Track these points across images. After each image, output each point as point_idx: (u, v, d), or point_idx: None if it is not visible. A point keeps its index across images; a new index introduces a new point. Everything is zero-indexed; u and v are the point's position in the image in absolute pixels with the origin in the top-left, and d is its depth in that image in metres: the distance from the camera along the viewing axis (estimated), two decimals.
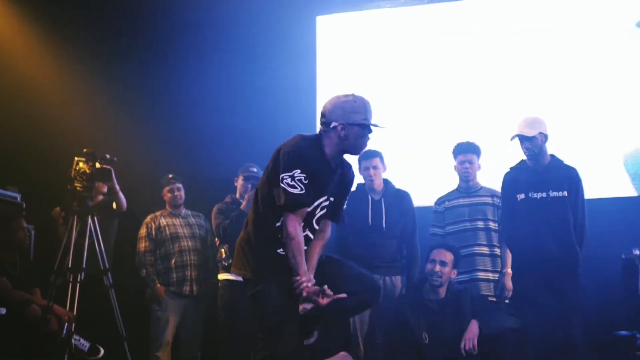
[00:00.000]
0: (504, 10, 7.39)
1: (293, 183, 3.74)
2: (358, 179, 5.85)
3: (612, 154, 6.86)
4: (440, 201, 6.21)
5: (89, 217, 6.24)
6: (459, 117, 7.26)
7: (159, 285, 6.72)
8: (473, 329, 5.04)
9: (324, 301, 3.75)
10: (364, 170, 5.92)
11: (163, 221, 6.85)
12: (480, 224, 5.99)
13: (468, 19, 7.46)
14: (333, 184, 3.99)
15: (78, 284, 6.03)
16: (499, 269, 5.91)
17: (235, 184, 6.51)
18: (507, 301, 5.75)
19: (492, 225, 5.97)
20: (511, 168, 5.65)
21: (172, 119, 7.78)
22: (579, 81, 7.05)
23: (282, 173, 3.76)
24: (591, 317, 5.71)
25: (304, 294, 3.73)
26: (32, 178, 7.03)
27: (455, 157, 6.17)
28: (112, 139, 7.13)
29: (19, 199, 6.58)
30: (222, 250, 6.31)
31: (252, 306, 3.90)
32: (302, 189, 3.75)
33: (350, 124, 3.90)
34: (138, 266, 6.81)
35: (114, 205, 6.57)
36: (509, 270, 5.78)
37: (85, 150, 6.24)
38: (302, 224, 3.87)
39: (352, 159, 4.27)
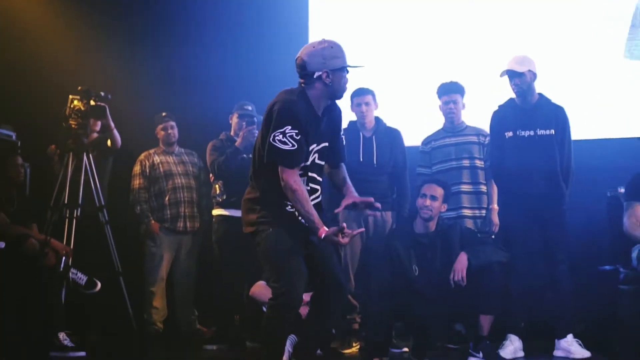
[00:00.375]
0: None
1: (285, 139, 3.77)
2: (350, 116, 5.95)
3: (598, 96, 6.94)
4: (426, 141, 6.29)
5: (84, 154, 6.32)
6: (446, 55, 7.27)
7: (153, 221, 6.81)
8: (462, 260, 5.13)
9: (344, 240, 3.83)
10: (356, 106, 5.99)
11: (157, 159, 6.91)
12: (466, 162, 6.09)
13: None
14: (323, 130, 4.04)
15: (74, 220, 6.14)
16: (485, 206, 6.05)
17: (230, 122, 6.56)
18: (492, 237, 5.89)
19: (478, 163, 6.07)
20: (500, 106, 5.72)
21: (166, 57, 7.75)
22: (565, 22, 7.09)
23: (273, 131, 3.80)
24: (576, 253, 5.82)
25: (323, 236, 3.78)
26: (27, 117, 7.03)
27: (439, 98, 6.24)
28: (106, 77, 7.10)
29: (14, 137, 6.61)
30: (217, 186, 6.39)
31: (262, 253, 3.89)
32: (293, 145, 3.79)
33: (333, 70, 3.94)
34: (132, 203, 6.89)
35: (109, 142, 6.61)
36: (496, 206, 5.91)
37: (79, 88, 6.28)
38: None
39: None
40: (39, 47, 7.54)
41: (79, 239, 6.17)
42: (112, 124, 6.48)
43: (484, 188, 6.06)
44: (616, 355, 5.21)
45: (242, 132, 6.22)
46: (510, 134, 5.55)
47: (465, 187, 6.08)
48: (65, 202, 6.21)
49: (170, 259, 6.91)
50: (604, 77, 6.95)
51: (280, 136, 3.78)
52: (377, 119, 6.05)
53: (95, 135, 6.76)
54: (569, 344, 5.39)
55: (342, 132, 4.36)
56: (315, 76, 3.94)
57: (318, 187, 4.07)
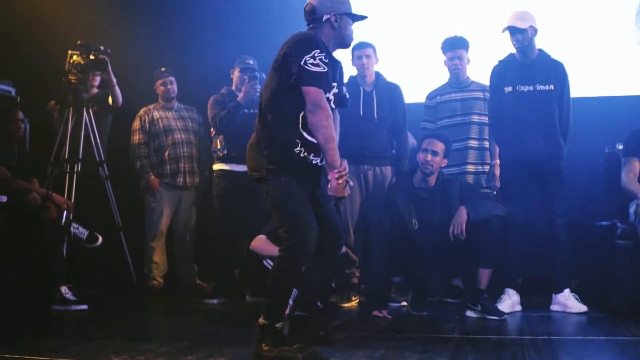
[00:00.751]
0: None
1: (317, 62, 3.75)
2: (350, 70, 5.95)
3: (598, 53, 6.95)
4: (431, 95, 6.29)
5: (84, 109, 6.33)
6: (446, 9, 7.26)
7: (152, 177, 6.84)
8: (461, 214, 5.15)
9: (346, 192, 3.89)
10: (357, 59, 5.97)
11: (156, 114, 6.91)
12: (475, 117, 6.11)
13: None
14: (334, 73, 4.04)
15: (75, 175, 6.17)
16: (488, 162, 6.07)
17: (232, 76, 6.53)
18: (495, 192, 5.92)
19: (484, 119, 6.06)
20: (499, 61, 5.71)
21: (165, 12, 7.72)
22: None
23: (303, 56, 3.75)
24: (574, 209, 5.85)
25: (335, 176, 3.75)
26: (26, 72, 7.01)
27: (444, 53, 6.23)
28: (105, 32, 7.07)
29: (13, 93, 6.60)
30: (218, 140, 6.38)
31: (272, 203, 3.82)
32: (324, 68, 3.77)
33: (341, 14, 3.96)
34: (132, 158, 6.91)
35: (110, 100, 6.62)
36: (498, 161, 5.93)
37: (79, 42, 6.27)
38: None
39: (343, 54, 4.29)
40: (38, 3, 7.48)
41: (80, 194, 6.22)
42: (114, 80, 6.48)
43: (487, 144, 6.07)
44: (613, 310, 5.25)
45: (244, 87, 6.20)
46: (510, 89, 5.55)
47: (473, 143, 6.10)
48: (66, 157, 6.27)
49: (170, 214, 6.95)
50: (604, 34, 6.95)
51: (312, 60, 3.75)
52: (377, 73, 6.04)
53: (95, 90, 6.76)
54: (566, 298, 5.44)
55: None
56: (324, 19, 3.95)
57: None
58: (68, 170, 6.22)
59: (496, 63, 5.73)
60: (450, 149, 5.49)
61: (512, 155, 5.57)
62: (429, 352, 3.78)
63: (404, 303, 5.76)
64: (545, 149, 5.48)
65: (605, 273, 5.53)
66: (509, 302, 5.44)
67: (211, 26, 7.53)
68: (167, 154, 6.84)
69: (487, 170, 6.07)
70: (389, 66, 6.50)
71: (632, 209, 5.24)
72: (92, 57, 6.28)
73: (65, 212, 5.80)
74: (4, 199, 5.51)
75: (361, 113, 5.83)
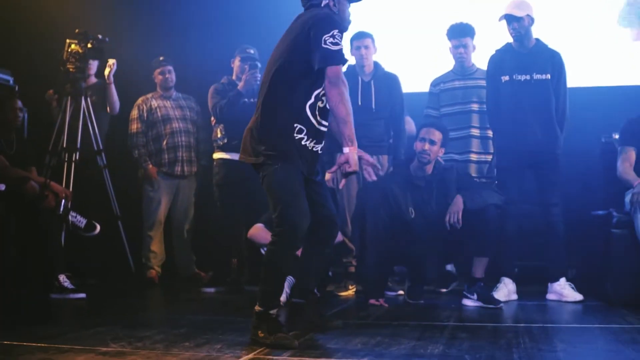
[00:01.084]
0: None
1: (335, 40, 3.76)
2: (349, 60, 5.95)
3: (595, 44, 6.97)
4: (435, 82, 6.29)
5: (82, 98, 6.35)
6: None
7: (151, 166, 6.85)
8: (458, 203, 5.16)
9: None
10: (355, 50, 5.99)
11: (154, 103, 6.92)
12: (475, 106, 6.10)
13: None
14: None
15: (73, 164, 6.18)
16: (491, 151, 6.09)
17: (232, 65, 6.51)
18: (496, 182, 5.89)
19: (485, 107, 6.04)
20: (497, 50, 5.72)
21: (164, 0, 7.75)
22: None
23: (322, 36, 3.75)
24: (570, 198, 5.88)
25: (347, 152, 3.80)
26: (24, 61, 7.03)
27: (449, 40, 6.20)
28: (104, 21, 7.07)
29: (11, 82, 6.62)
30: (218, 129, 6.39)
31: (267, 188, 3.83)
32: (342, 45, 3.80)
33: None
34: (130, 147, 6.92)
35: (108, 109, 6.75)
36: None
37: (77, 30, 6.28)
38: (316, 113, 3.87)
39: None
40: None
41: (78, 183, 6.24)
42: (111, 78, 6.55)
43: (491, 133, 6.07)
44: (608, 299, 5.28)
45: (244, 76, 6.19)
46: (507, 78, 5.56)
47: (474, 132, 6.11)
48: (64, 146, 6.29)
49: (167, 203, 6.97)
50: (601, 25, 6.97)
51: (331, 39, 3.76)
52: (375, 63, 6.05)
53: (93, 79, 6.78)
54: (562, 287, 5.47)
55: None
56: (323, 4, 3.97)
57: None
58: (66, 159, 6.25)
59: (493, 52, 5.74)
60: (447, 138, 5.49)
61: (509, 144, 5.59)
62: (425, 339, 3.81)
63: (401, 292, 5.79)
64: (542, 138, 5.50)
65: (600, 262, 5.56)
66: (505, 290, 5.47)
67: (210, 15, 7.53)
68: (165, 143, 6.85)
69: (489, 159, 6.08)
70: (390, 55, 6.53)
71: (627, 198, 5.27)
72: (90, 45, 6.29)
73: (63, 200, 5.82)
74: (2, 187, 5.54)
75: (359, 103, 5.83)
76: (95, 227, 6.10)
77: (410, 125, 6.31)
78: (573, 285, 5.48)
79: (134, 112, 6.93)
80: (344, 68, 3.97)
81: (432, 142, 5.35)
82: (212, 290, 6.28)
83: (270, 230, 5.49)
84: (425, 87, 6.43)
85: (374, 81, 5.95)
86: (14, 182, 5.65)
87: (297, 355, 3.41)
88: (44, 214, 5.72)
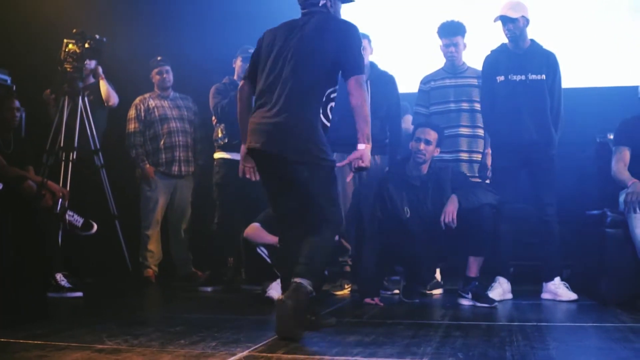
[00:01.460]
0: None
1: (361, 52, 4.04)
2: None
3: (590, 45, 7.00)
4: (426, 80, 6.28)
5: (80, 97, 6.37)
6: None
7: (148, 165, 6.88)
8: (453, 202, 5.18)
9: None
10: None
11: (152, 103, 6.95)
12: (465, 105, 6.11)
13: None
14: None
15: (70, 163, 6.20)
16: (481, 150, 6.11)
17: (234, 65, 6.55)
18: (487, 181, 5.95)
19: (477, 106, 6.05)
20: (492, 51, 5.74)
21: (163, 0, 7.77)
22: None
23: (359, 46, 4.02)
24: (565, 198, 5.89)
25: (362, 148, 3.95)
26: (22, 61, 7.04)
27: (440, 38, 6.19)
28: (102, 20, 7.10)
29: (9, 81, 6.63)
30: (219, 129, 6.42)
31: (319, 185, 3.96)
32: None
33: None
34: (127, 147, 6.95)
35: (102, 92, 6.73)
36: (490, 150, 5.97)
37: (74, 30, 6.30)
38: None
39: None
40: None
41: (75, 182, 6.25)
42: (100, 71, 6.57)
43: (481, 132, 6.09)
44: (602, 298, 5.30)
45: None
46: (502, 78, 5.59)
47: (464, 130, 6.10)
48: (61, 145, 6.30)
49: (165, 202, 7.00)
50: (596, 26, 7.02)
51: (361, 50, 4.05)
52: (371, 63, 6.05)
53: (91, 79, 6.81)
54: (556, 286, 5.49)
55: None
56: (320, 4, 4.10)
57: None
58: (63, 159, 6.26)
59: (488, 53, 5.77)
60: (443, 138, 5.52)
61: (504, 143, 5.61)
62: (419, 337, 3.83)
63: (396, 291, 5.81)
64: (537, 137, 5.51)
65: (595, 261, 5.57)
66: (500, 290, 5.49)
67: (207, 15, 7.55)
68: (162, 142, 6.88)
69: (479, 159, 6.10)
70: (387, 56, 6.55)
71: (621, 198, 5.28)
72: (87, 45, 6.31)
73: (60, 199, 5.84)
74: (0, 186, 5.54)
75: None
76: (92, 226, 6.12)
77: (407, 123, 6.34)
78: (567, 285, 5.50)
79: (132, 112, 6.96)
80: None
81: (427, 142, 5.37)
82: (208, 289, 6.31)
83: (266, 230, 5.59)
84: None
85: (370, 81, 5.95)
86: (11, 181, 5.66)
87: (292, 353, 3.43)
88: (42, 213, 5.73)
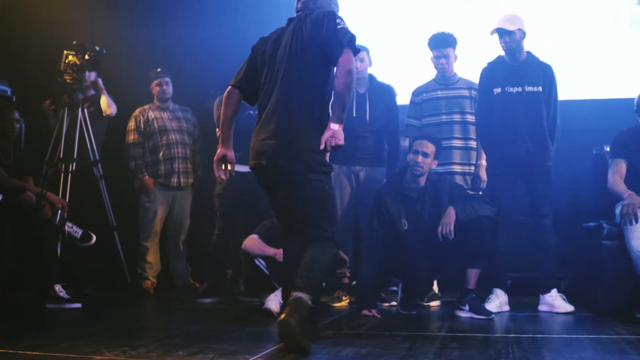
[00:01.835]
0: None
1: (343, 24, 4.01)
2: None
3: (586, 57, 7.04)
4: (417, 92, 6.30)
5: (79, 109, 6.39)
6: (437, 6, 7.40)
7: (147, 177, 6.90)
8: (450, 215, 5.19)
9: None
10: None
11: (151, 114, 6.98)
12: (457, 117, 6.13)
13: None
14: None
15: (69, 175, 6.22)
16: (474, 162, 6.12)
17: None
18: (480, 192, 5.97)
19: (469, 118, 6.09)
20: (489, 63, 5.77)
21: (162, 12, 7.80)
22: None
23: (334, 21, 4.00)
24: (561, 210, 5.90)
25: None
26: (22, 72, 7.05)
27: (431, 50, 6.21)
28: (101, 32, 7.10)
29: (9, 92, 6.65)
30: None
31: (324, 193, 4.04)
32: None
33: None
34: (127, 158, 6.97)
35: (101, 103, 6.74)
36: (484, 162, 5.98)
37: (74, 42, 6.33)
38: None
39: None
40: (34, 2, 7.51)
41: (74, 194, 6.26)
42: (100, 83, 6.59)
43: (473, 144, 6.11)
44: (599, 310, 5.32)
45: None
46: (499, 90, 5.61)
47: (457, 142, 6.12)
48: (61, 156, 6.30)
49: (164, 214, 7.01)
50: (593, 38, 7.06)
51: (343, 23, 4.02)
52: (370, 75, 6.07)
53: (91, 91, 6.82)
54: (553, 298, 5.50)
55: None
56: (302, 5, 4.28)
57: None
58: (63, 170, 6.27)
59: (485, 65, 5.79)
60: (440, 150, 5.55)
61: (500, 155, 5.63)
62: (416, 349, 3.85)
63: (394, 303, 5.82)
64: (533, 149, 5.53)
65: (591, 273, 5.59)
66: (497, 302, 5.51)
67: (207, 28, 7.55)
68: (161, 154, 6.91)
69: (472, 170, 6.11)
70: (384, 67, 6.58)
71: (618, 210, 5.31)
72: (87, 57, 6.34)
73: (59, 211, 5.83)
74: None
75: (354, 114, 5.86)
76: (91, 238, 6.12)
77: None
78: (564, 297, 5.52)
79: (131, 124, 6.99)
80: None
81: (425, 155, 5.39)
82: (207, 300, 6.31)
83: (264, 242, 5.61)
84: None
85: (368, 93, 5.97)
86: (10, 192, 5.65)
87: None
88: (41, 224, 5.73)
